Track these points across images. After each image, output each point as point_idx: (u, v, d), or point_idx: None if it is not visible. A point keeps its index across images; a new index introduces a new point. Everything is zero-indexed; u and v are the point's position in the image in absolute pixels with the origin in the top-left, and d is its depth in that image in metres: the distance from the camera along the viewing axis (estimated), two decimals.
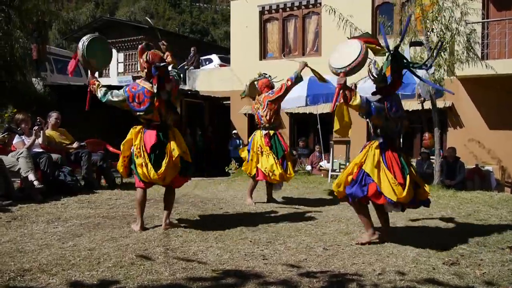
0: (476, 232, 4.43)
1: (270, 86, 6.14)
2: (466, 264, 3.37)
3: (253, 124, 14.30)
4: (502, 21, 10.74)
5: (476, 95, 11.27)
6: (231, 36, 15.49)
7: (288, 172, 5.86)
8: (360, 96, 3.75)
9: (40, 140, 6.19)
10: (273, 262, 3.37)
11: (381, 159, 3.81)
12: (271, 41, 14.58)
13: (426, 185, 4.02)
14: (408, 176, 3.77)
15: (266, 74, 6.27)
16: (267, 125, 5.97)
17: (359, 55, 3.78)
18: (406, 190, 3.69)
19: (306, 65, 6.04)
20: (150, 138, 4.11)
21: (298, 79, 6.00)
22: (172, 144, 4.15)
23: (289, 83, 5.95)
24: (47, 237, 3.97)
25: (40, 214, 4.89)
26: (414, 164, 10.31)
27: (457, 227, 4.74)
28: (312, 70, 6.00)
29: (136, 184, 4.31)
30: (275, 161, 5.75)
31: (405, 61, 3.98)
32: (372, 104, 3.79)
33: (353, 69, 3.80)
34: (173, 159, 4.11)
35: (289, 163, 5.93)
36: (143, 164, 4.09)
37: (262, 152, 5.86)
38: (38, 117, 6.24)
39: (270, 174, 5.74)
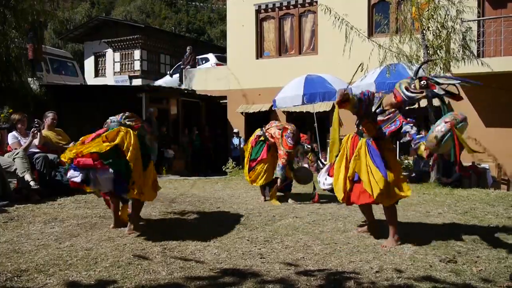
0: (473, 229, 4.45)
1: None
2: (462, 261, 3.38)
3: (249, 123, 14.33)
4: (497, 19, 10.77)
5: (472, 93, 11.27)
6: (227, 35, 15.46)
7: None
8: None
9: (36, 142, 6.19)
10: (271, 260, 3.37)
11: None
12: (267, 40, 14.56)
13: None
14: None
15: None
16: None
17: None
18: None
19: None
20: None
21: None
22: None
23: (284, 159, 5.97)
24: (44, 237, 3.96)
25: (37, 215, 4.87)
26: (410, 162, 10.38)
27: (453, 225, 4.76)
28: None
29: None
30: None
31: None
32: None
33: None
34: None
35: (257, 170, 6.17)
36: None
37: None
38: (35, 119, 6.24)
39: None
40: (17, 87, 10.81)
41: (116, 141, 3.87)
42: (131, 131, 4.02)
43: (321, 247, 3.76)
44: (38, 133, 6.17)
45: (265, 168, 6.14)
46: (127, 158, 3.85)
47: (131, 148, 3.89)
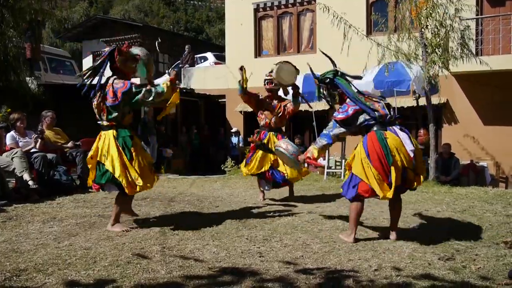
0: (471, 227, 4.46)
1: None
2: (461, 259, 3.39)
3: (247, 122, 14.33)
4: (496, 17, 10.79)
5: (470, 91, 11.31)
6: (226, 33, 15.46)
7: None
8: (317, 146, 4.02)
9: (37, 146, 6.23)
10: (270, 259, 3.37)
11: (364, 156, 3.77)
12: (266, 39, 14.56)
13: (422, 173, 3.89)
14: (392, 168, 3.67)
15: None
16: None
17: None
18: (392, 188, 3.68)
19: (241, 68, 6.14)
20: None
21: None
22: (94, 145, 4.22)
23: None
24: (43, 236, 3.96)
25: (36, 214, 4.87)
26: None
27: (452, 223, 4.76)
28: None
29: None
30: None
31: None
32: (325, 136, 4.00)
33: None
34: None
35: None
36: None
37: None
38: (40, 127, 6.34)
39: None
40: (16, 86, 10.79)
41: (92, 156, 4.16)
42: (106, 134, 4.18)
43: (320, 245, 3.76)
44: (39, 141, 6.22)
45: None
46: (106, 167, 4.04)
47: (106, 153, 4.07)
